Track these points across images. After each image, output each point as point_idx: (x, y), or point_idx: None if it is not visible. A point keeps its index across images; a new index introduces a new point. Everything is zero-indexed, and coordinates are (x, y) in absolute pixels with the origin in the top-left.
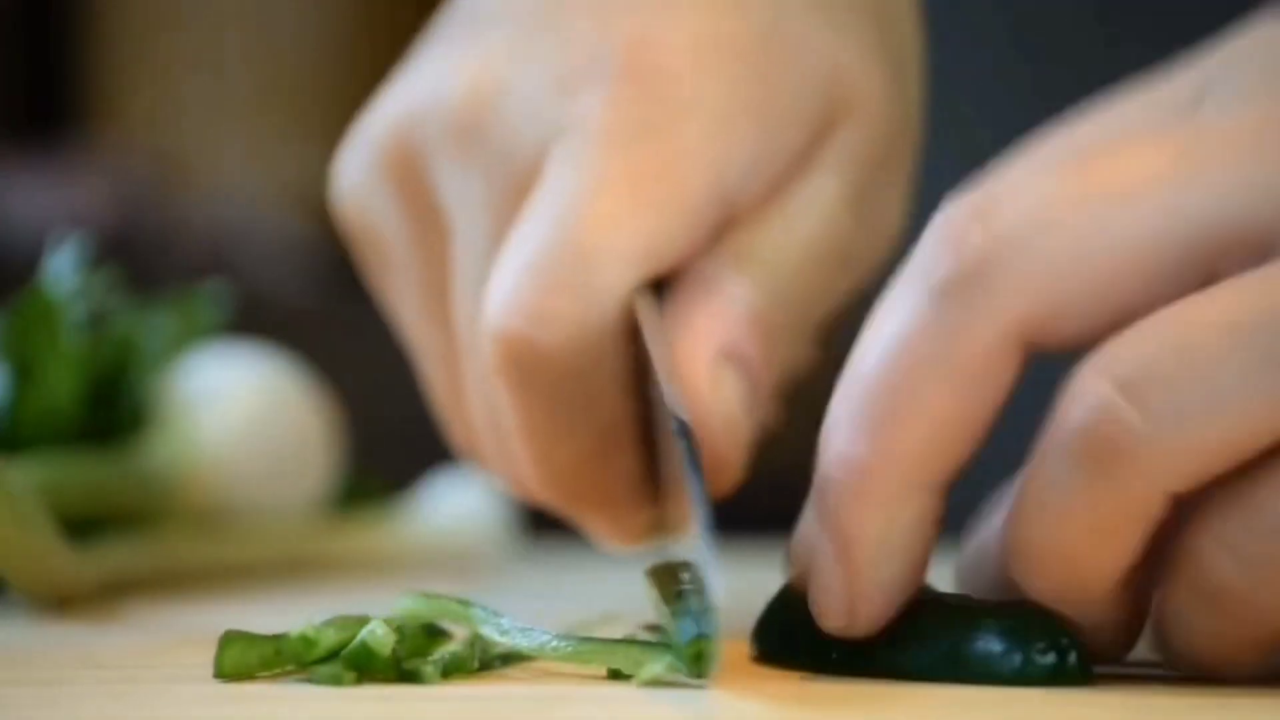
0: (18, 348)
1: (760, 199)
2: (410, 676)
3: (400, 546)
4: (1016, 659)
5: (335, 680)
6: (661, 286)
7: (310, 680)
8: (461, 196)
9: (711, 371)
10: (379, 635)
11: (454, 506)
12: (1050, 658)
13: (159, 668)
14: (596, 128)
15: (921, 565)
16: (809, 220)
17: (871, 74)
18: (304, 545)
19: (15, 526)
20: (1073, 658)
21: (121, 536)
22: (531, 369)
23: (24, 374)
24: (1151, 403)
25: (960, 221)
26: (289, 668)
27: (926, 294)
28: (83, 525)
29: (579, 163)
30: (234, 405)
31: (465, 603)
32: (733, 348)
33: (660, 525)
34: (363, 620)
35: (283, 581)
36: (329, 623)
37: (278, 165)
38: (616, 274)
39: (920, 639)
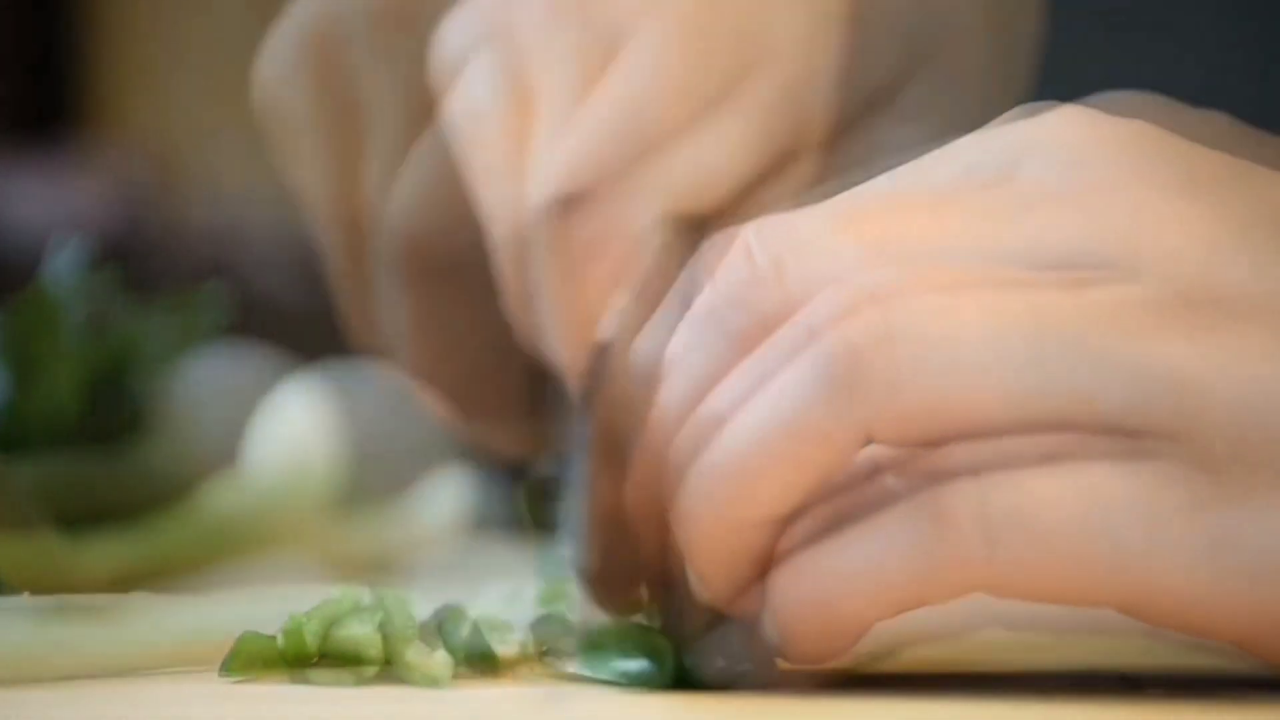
0: (18, 348)
1: (673, 130)
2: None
3: (400, 546)
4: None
5: (336, 681)
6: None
7: (310, 680)
8: (379, 88)
9: (609, 313)
10: (363, 633)
11: (453, 506)
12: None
13: (159, 668)
14: (531, 47)
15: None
16: (715, 157)
17: (790, 25)
18: (304, 545)
19: (15, 526)
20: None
21: (121, 536)
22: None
23: (24, 374)
24: (901, 355)
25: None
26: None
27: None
28: (83, 525)
29: (491, 67)
30: (234, 407)
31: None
32: (626, 276)
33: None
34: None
35: (283, 582)
36: (314, 612)
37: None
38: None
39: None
